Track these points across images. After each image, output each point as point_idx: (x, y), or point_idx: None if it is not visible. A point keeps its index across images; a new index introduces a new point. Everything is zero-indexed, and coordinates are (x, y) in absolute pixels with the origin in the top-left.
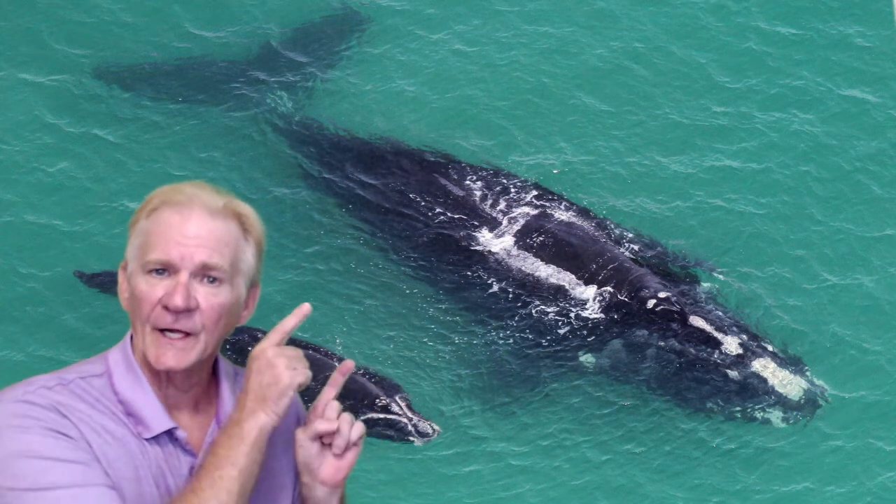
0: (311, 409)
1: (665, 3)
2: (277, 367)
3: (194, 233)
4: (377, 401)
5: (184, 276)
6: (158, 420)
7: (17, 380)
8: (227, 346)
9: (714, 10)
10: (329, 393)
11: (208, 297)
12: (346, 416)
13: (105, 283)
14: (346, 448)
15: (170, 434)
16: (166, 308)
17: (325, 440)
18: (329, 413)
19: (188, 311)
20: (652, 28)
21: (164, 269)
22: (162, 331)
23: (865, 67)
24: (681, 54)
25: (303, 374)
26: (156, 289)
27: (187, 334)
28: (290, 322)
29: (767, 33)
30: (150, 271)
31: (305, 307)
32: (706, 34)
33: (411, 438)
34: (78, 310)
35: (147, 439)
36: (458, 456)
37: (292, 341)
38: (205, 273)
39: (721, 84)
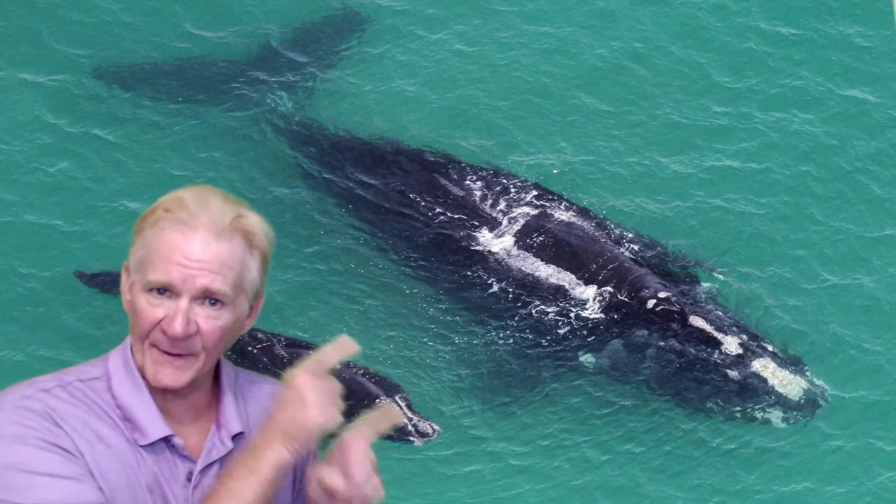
0: (340, 447)
1: (665, 3)
2: (308, 405)
3: (197, 256)
4: (377, 401)
5: (184, 303)
6: (155, 427)
7: (16, 380)
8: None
9: (714, 10)
10: (367, 436)
11: (209, 320)
12: (372, 477)
13: (105, 283)
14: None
15: (166, 441)
16: (163, 332)
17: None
18: (358, 469)
19: (187, 336)
20: (652, 28)
21: (166, 290)
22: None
23: (865, 67)
24: (681, 54)
25: (334, 418)
26: (156, 309)
27: (188, 355)
28: (329, 353)
29: (767, 33)
30: (151, 290)
31: (349, 344)
32: (706, 34)
33: (411, 438)
34: (78, 310)
35: (143, 446)
36: (458, 456)
37: (293, 341)
38: (205, 297)
39: (721, 84)
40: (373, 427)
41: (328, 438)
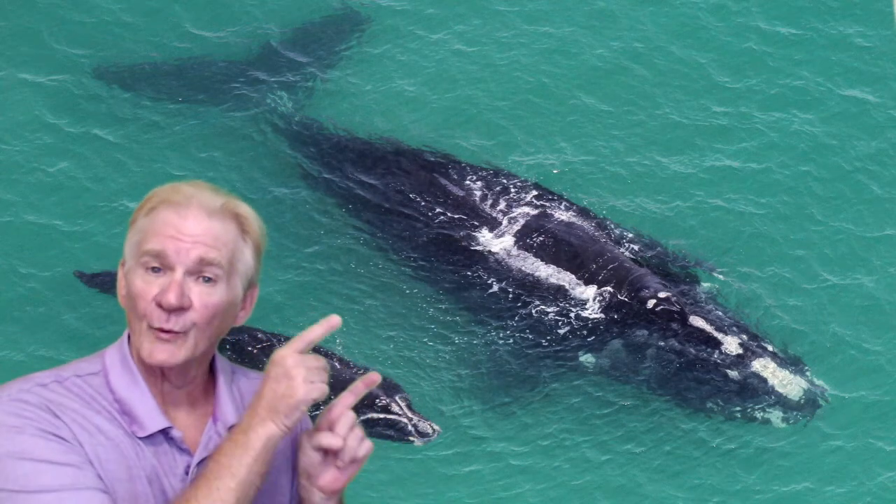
0: (324, 413)
1: (665, 3)
2: (294, 378)
3: (191, 230)
4: (377, 401)
5: (178, 274)
6: (153, 419)
7: None
8: (227, 346)
9: (714, 10)
10: (346, 401)
11: (202, 296)
12: (357, 432)
13: (105, 283)
14: (350, 462)
15: (165, 433)
16: (160, 305)
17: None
18: (341, 425)
19: (181, 309)
20: (652, 28)
21: (160, 268)
22: (157, 328)
23: (865, 67)
24: (681, 54)
25: (319, 390)
26: (151, 286)
27: (180, 332)
28: (315, 331)
29: (767, 33)
30: (147, 268)
31: (335, 319)
32: (706, 34)
33: (411, 438)
34: (78, 310)
35: (141, 438)
36: (458, 456)
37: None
38: (201, 270)
39: (721, 84)
40: (351, 392)
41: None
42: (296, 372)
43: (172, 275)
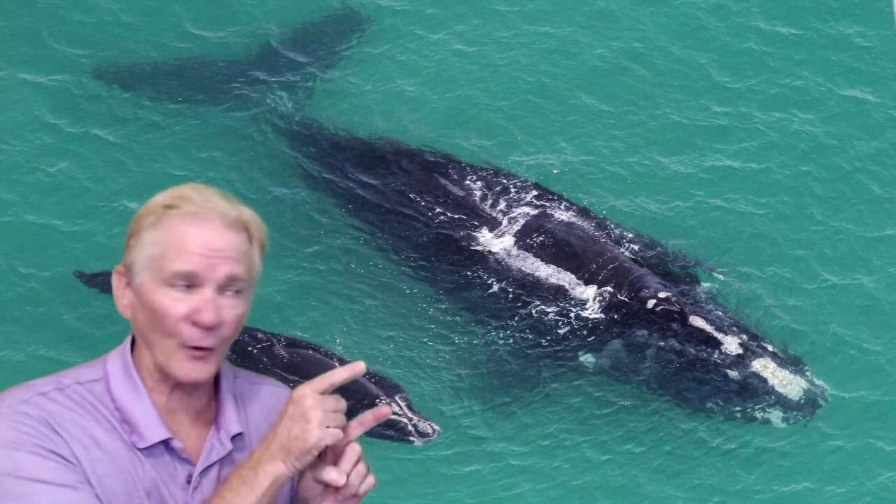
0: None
1: (665, 3)
2: (311, 421)
3: (217, 245)
4: (377, 401)
5: (209, 292)
6: (153, 430)
7: (17, 380)
8: None
9: (714, 10)
10: (353, 433)
11: (230, 310)
12: (360, 468)
13: (105, 283)
14: (351, 497)
15: (165, 444)
16: (194, 324)
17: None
18: (346, 460)
19: (217, 326)
20: (652, 28)
21: (187, 283)
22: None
23: (865, 67)
24: (681, 54)
25: (334, 435)
26: (179, 304)
27: (214, 348)
28: (339, 374)
29: (767, 33)
30: (172, 286)
31: (360, 366)
32: (706, 34)
33: (411, 438)
34: (78, 310)
35: (141, 449)
36: (458, 456)
37: (293, 341)
38: (228, 286)
39: (721, 84)
40: (359, 423)
41: None
42: (313, 414)
43: (202, 291)
